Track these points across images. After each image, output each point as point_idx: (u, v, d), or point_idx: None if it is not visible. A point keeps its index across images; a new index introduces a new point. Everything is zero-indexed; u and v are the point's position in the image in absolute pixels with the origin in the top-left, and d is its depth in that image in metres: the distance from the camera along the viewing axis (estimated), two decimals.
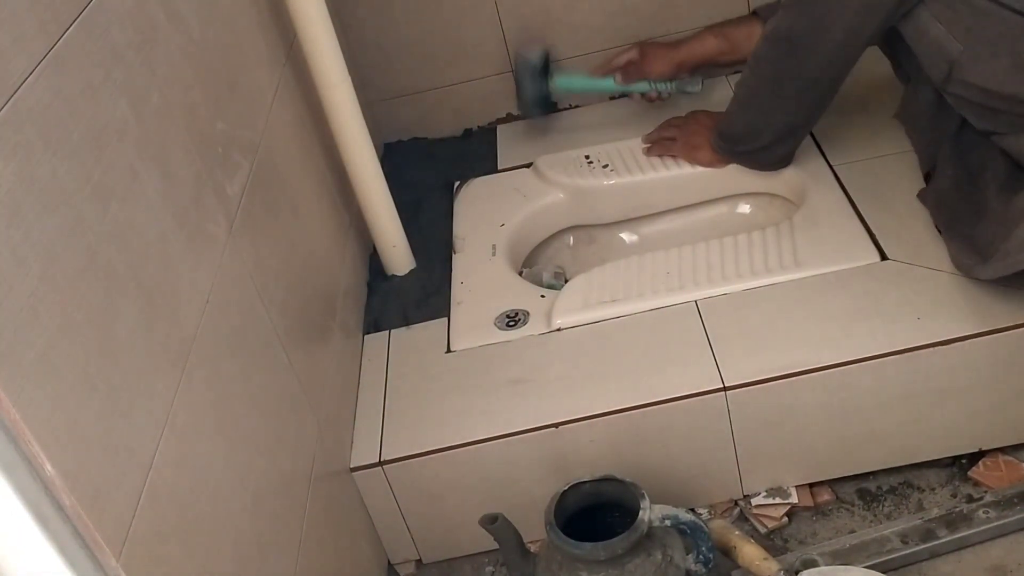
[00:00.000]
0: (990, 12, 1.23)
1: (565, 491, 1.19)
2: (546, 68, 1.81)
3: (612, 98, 1.95)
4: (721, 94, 1.85)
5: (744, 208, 1.74)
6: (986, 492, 1.33)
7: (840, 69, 1.44)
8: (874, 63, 1.82)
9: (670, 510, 1.16)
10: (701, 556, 1.18)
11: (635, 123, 1.85)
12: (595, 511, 1.21)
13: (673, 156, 1.71)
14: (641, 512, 1.14)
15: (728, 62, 1.72)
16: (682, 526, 1.17)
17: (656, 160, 1.73)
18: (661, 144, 1.74)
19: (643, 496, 1.16)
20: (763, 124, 1.55)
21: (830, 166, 1.60)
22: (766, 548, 1.30)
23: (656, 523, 1.15)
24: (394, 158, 1.95)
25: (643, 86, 1.77)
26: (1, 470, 0.65)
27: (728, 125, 1.61)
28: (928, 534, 1.26)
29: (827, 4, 1.35)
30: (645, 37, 1.89)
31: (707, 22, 1.86)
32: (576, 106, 1.97)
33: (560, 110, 1.97)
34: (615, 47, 1.89)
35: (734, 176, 1.69)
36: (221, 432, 0.97)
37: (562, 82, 1.82)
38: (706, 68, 1.75)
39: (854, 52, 1.41)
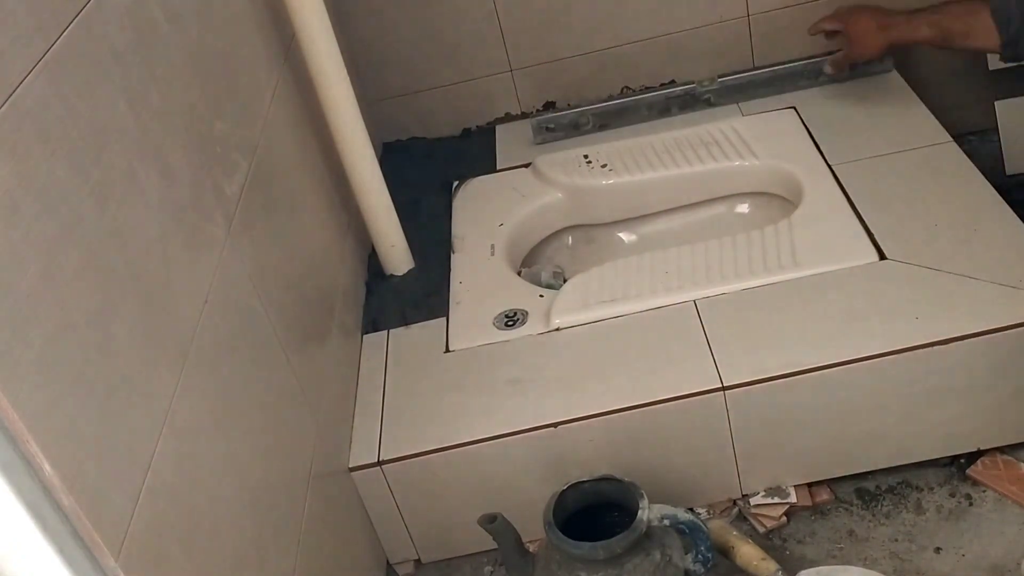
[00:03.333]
0: None
1: (564, 491, 1.19)
2: None
3: (610, 97, 1.95)
4: None
5: (743, 208, 1.74)
6: (985, 490, 1.33)
7: None
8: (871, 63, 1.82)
9: (669, 510, 1.16)
10: (700, 556, 1.18)
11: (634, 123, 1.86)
12: (594, 511, 1.21)
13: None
14: (640, 512, 1.14)
15: (938, 48, 1.64)
16: (681, 526, 1.17)
17: (655, 160, 1.73)
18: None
19: (642, 496, 1.16)
20: None
21: (828, 165, 1.60)
22: (765, 548, 1.30)
23: (655, 523, 1.15)
24: (393, 158, 1.94)
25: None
26: (0, 471, 0.65)
27: None
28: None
29: None
30: (650, 36, 1.89)
31: (705, 21, 1.87)
32: (575, 106, 1.97)
33: (559, 110, 1.97)
34: (614, 46, 1.90)
35: (733, 176, 1.70)
36: (220, 432, 0.97)
37: None
38: None
39: None
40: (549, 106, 1.97)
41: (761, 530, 1.35)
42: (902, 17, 1.61)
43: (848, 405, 1.30)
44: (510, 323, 1.48)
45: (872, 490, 1.37)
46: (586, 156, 1.78)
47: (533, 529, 1.22)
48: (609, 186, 1.73)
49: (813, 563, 1.29)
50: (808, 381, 1.28)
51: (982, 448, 1.36)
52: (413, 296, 1.60)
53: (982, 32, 1.50)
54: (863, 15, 1.66)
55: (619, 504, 1.19)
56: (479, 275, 1.61)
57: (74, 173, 0.80)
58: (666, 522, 1.16)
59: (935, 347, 1.26)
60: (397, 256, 1.65)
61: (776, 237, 1.48)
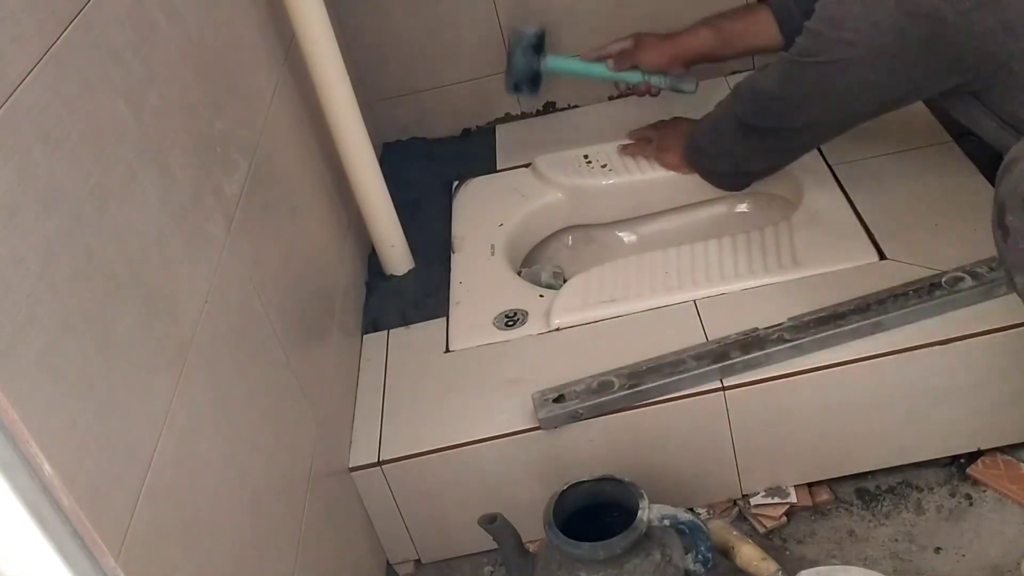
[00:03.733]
0: None
1: (564, 491, 1.19)
2: (540, 46, 1.71)
3: (610, 98, 1.95)
4: (718, 95, 1.86)
5: (743, 208, 1.74)
6: (985, 490, 1.33)
7: (813, 145, 1.49)
8: None
9: (669, 510, 1.16)
10: (700, 556, 1.18)
11: (634, 123, 1.85)
12: (594, 511, 1.20)
13: (645, 157, 1.70)
14: (640, 512, 1.14)
15: (723, 57, 1.66)
16: (681, 526, 1.17)
17: (655, 160, 1.73)
18: (636, 144, 1.73)
19: (641, 496, 1.16)
20: (726, 153, 1.55)
21: (828, 166, 1.60)
22: (765, 548, 1.30)
23: (655, 523, 1.15)
24: (393, 158, 1.94)
25: (635, 76, 1.69)
26: (0, 471, 0.65)
27: (699, 136, 1.59)
28: (721, 355, 1.30)
29: (810, 89, 1.34)
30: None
31: (706, 16, 1.87)
32: (575, 106, 1.97)
33: (559, 110, 1.97)
34: None
35: None
36: (220, 432, 0.97)
37: (554, 62, 1.72)
38: (702, 63, 1.68)
39: (832, 135, 1.44)
40: (549, 106, 1.97)
41: (761, 530, 1.35)
42: (684, 29, 1.64)
43: (848, 405, 1.30)
44: (510, 323, 1.48)
45: (872, 490, 1.37)
46: (586, 156, 1.78)
47: (533, 529, 1.22)
48: (609, 186, 1.73)
49: (813, 563, 1.29)
50: (808, 381, 1.28)
51: (982, 448, 1.36)
52: (413, 296, 1.60)
53: (762, 30, 1.55)
54: (649, 34, 1.68)
55: (619, 504, 1.19)
56: (479, 275, 1.61)
57: (74, 173, 0.80)
58: (666, 522, 1.16)
59: (935, 347, 1.26)
60: (397, 256, 1.65)
61: (776, 237, 1.48)
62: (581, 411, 1.29)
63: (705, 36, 1.63)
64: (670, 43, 1.66)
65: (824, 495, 1.38)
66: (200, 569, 0.87)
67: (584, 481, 1.20)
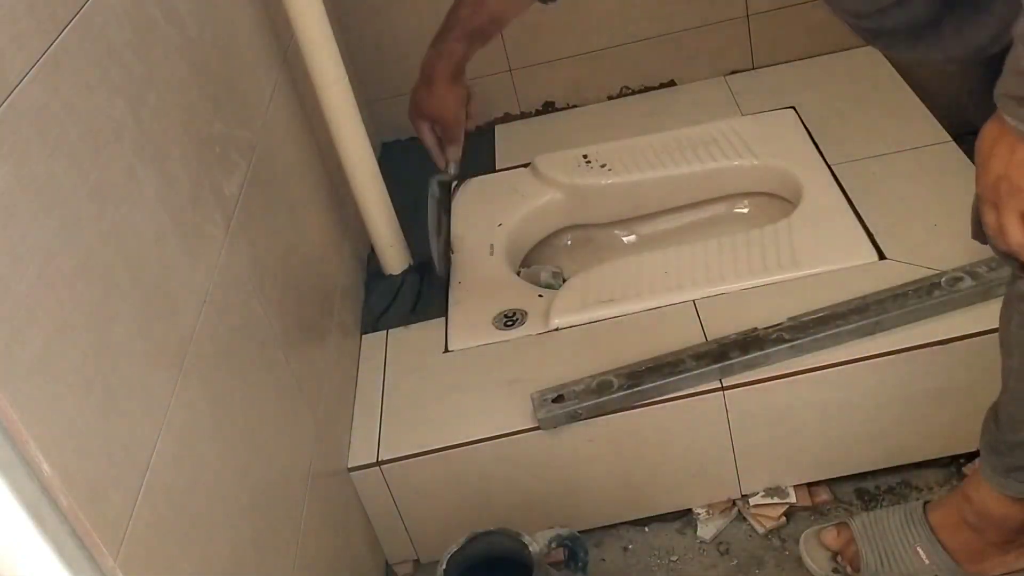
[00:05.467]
0: None
1: (455, 550, 1.15)
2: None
3: (609, 97, 1.96)
4: (717, 93, 1.86)
5: (743, 208, 1.74)
6: None
7: None
8: (873, 63, 1.82)
9: (551, 532, 1.16)
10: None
11: (634, 122, 1.85)
12: (491, 563, 1.17)
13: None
14: (535, 571, 1.11)
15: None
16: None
17: (655, 159, 1.73)
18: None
19: (526, 546, 1.13)
20: None
21: (828, 165, 1.60)
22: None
23: (544, 552, 1.14)
24: (392, 157, 1.94)
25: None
26: None
27: None
28: (721, 355, 1.29)
29: None
30: (650, 36, 1.88)
31: (705, 21, 1.87)
32: (574, 106, 1.97)
33: (558, 110, 1.97)
34: (613, 46, 1.90)
35: (733, 176, 1.69)
36: (218, 432, 0.97)
37: None
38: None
39: None
40: (549, 106, 1.97)
41: (760, 530, 1.35)
42: (435, 54, 1.43)
43: (848, 405, 1.30)
44: (509, 323, 1.48)
45: (872, 490, 1.37)
46: (585, 156, 1.78)
47: (532, 529, 1.22)
48: (609, 186, 1.73)
49: None
50: (808, 381, 1.28)
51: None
52: (412, 296, 1.60)
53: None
54: (423, 90, 1.44)
55: (511, 557, 1.15)
56: (478, 275, 1.61)
57: (72, 173, 0.80)
58: (553, 544, 1.16)
59: (935, 347, 1.26)
60: (396, 256, 1.65)
61: (776, 237, 1.48)
62: (580, 411, 1.29)
63: (463, 47, 1.43)
64: (459, 84, 1.42)
65: (823, 495, 1.37)
66: (199, 569, 0.87)
67: (476, 535, 1.16)
